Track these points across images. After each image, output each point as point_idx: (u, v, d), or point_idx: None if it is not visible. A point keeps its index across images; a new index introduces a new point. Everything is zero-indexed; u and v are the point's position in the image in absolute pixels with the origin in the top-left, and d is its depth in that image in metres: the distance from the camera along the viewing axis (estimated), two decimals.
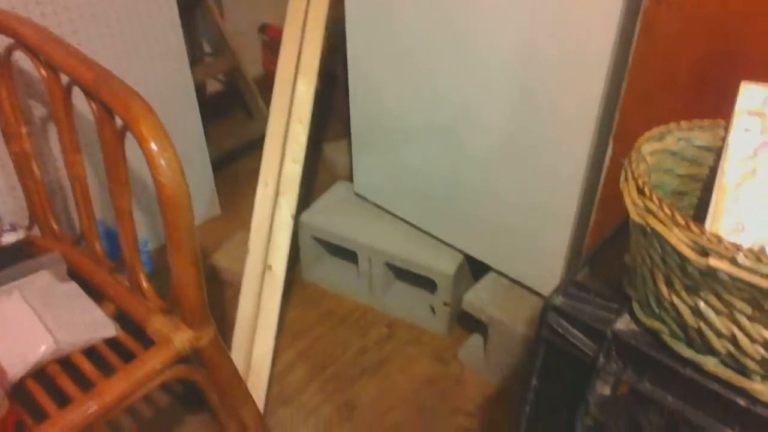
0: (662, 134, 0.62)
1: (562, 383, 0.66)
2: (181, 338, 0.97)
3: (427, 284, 1.57)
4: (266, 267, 1.38)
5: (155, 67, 1.58)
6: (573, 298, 0.61)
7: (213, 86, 2.32)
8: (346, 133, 2.15)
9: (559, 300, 0.61)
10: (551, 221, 1.22)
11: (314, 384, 1.46)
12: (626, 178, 0.55)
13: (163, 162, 0.82)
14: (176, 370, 0.99)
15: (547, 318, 0.60)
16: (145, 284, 1.05)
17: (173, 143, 0.84)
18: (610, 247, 0.70)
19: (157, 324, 1.00)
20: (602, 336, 0.57)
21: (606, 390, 0.60)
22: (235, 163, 2.13)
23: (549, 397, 0.68)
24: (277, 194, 1.39)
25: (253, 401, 1.15)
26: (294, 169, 1.39)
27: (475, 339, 1.54)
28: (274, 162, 1.41)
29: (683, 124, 0.63)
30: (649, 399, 0.56)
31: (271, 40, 2.35)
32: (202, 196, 1.88)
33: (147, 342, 1.00)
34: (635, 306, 0.59)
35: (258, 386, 1.36)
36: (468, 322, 1.56)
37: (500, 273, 1.42)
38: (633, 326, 0.58)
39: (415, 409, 1.41)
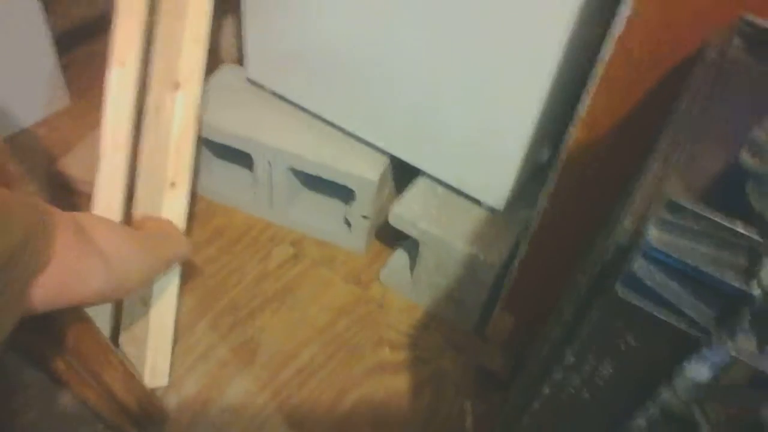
0: None
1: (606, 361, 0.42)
2: None
3: (341, 192, 1.29)
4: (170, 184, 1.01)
5: None
6: (675, 231, 0.35)
7: None
8: (230, 7, 1.74)
9: (655, 234, 0.35)
10: (509, 107, 0.96)
11: (204, 321, 1.17)
12: None
13: None
14: None
15: (634, 268, 0.34)
16: None
17: None
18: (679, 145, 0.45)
19: None
20: (740, 297, 0.32)
21: (703, 374, 0.37)
22: (90, 39, 1.66)
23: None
24: (176, 88, 1.01)
25: (120, 361, 0.84)
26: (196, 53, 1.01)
27: (399, 256, 1.30)
28: (134, 25, 1.02)
29: None
30: None
31: None
32: (41, 82, 1.43)
33: None
34: None
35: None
36: (389, 236, 1.31)
37: (432, 179, 1.15)
38: None
39: (331, 344, 1.16)
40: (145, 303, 1.00)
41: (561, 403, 0.45)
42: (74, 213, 0.60)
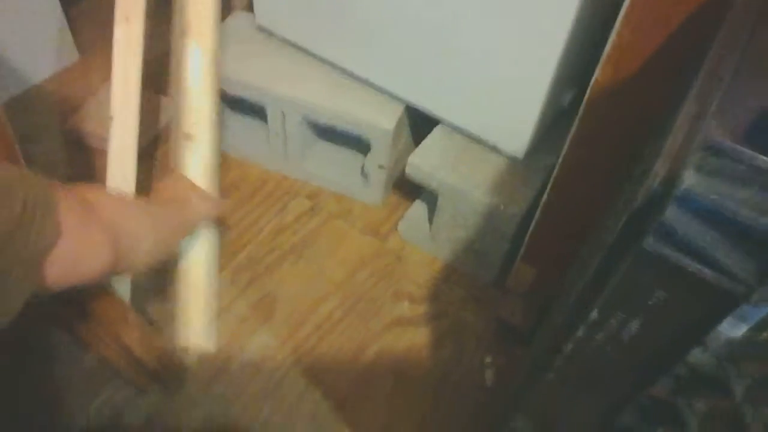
0: None
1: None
2: None
3: (357, 143, 1.26)
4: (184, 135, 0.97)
5: None
6: (713, 175, 0.32)
7: None
8: None
9: (692, 178, 0.31)
10: (531, 46, 0.90)
11: (223, 275, 1.16)
12: None
13: None
14: None
15: (667, 216, 0.30)
16: None
17: None
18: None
19: None
20: None
21: (739, 330, 0.34)
22: None
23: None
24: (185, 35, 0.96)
25: (138, 322, 0.83)
26: None
27: (417, 208, 1.27)
28: None
29: None
30: None
31: None
32: (48, 38, 1.40)
33: None
34: None
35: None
36: (406, 188, 1.28)
37: (450, 127, 1.11)
38: None
39: (349, 298, 1.15)
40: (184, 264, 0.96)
41: (585, 361, 0.42)
42: (78, 186, 0.58)
